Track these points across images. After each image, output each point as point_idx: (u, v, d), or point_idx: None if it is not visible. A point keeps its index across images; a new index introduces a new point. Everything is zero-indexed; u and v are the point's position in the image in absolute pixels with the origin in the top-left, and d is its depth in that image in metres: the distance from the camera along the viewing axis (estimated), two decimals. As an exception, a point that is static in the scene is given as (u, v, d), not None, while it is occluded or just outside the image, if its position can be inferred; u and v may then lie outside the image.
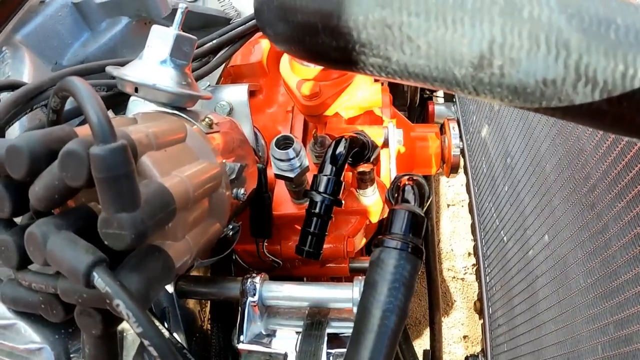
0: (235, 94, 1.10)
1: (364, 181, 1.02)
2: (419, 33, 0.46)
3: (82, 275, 0.47)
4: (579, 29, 0.43)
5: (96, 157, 0.44)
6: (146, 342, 0.49)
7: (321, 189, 0.89)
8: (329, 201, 0.90)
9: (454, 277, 2.90)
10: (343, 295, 0.82)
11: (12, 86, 0.84)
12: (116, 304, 0.47)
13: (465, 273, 2.90)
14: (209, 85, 1.20)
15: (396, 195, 0.80)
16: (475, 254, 1.88)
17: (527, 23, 0.44)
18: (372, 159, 0.99)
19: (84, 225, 0.53)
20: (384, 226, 0.74)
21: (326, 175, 0.90)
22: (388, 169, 1.13)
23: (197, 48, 1.09)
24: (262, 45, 1.43)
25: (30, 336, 0.67)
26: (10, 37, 1.21)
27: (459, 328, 2.73)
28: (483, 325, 1.75)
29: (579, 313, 0.96)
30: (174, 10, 1.31)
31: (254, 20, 1.16)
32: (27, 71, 1.15)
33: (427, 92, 2.58)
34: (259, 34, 1.24)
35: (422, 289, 2.64)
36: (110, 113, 0.91)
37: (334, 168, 0.92)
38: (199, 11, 1.46)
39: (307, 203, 0.95)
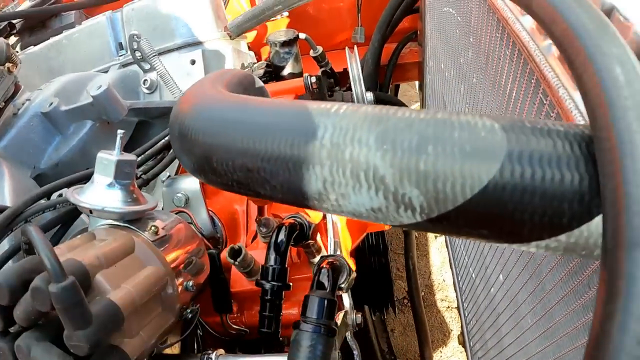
0: (190, 184, 1.22)
1: (310, 253, 1.14)
2: (272, 177, 0.55)
3: None
4: (393, 164, 0.48)
5: (53, 294, 0.58)
6: None
7: (269, 278, 1.02)
8: (277, 287, 1.02)
9: (448, 307, 2.92)
10: None
11: None
12: None
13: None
14: (169, 176, 1.32)
15: (315, 277, 0.93)
16: (455, 288, 1.95)
17: (349, 163, 0.50)
18: (310, 236, 1.12)
19: (56, 334, 0.66)
20: (302, 309, 0.88)
21: (271, 266, 1.02)
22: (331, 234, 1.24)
23: (154, 144, 1.22)
24: None
25: None
26: (-11, 150, 1.33)
27: (458, 357, 2.75)
28: (467, 357, 1.84)
29: (531, 350, 1.06)
30: (133, 110, 1.44)
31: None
32: (6, 185, 1.25)
33: None
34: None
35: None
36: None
37: (277, 257, 1.04)
38: (152, 106, 1.58)
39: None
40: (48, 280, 0.60)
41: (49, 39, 2.17)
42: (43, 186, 1.06)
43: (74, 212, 1.00)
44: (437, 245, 3.13)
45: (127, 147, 1.55)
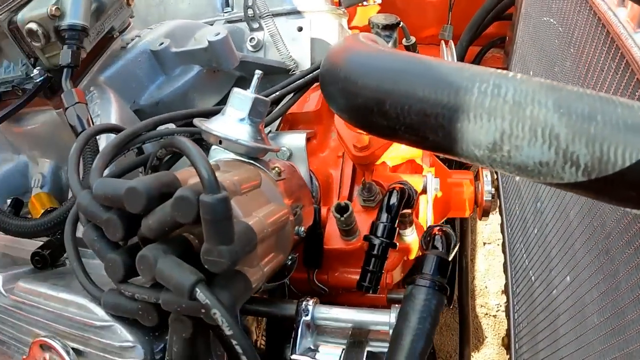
0: (295, 140, 1.25)
1: (404, 223, 1.16)
2: (450, 123, 0.60)
3: (187, 290, 0.61)
4: (568, 125, 0.56)
5: (206, 204, 0.59)
6: (234, 342, 0.63)
7: (379, 233, 1.06)
8: (386, 244, 1.06)
9: (487, 314, 2.93)
10: (382, 320, 0.94)
11: (112, 130, 1.00)
12: (213, 313, 0.61)
13: (498, 310, 2.93)
14: (271, 131, 1.34)
15: (428, 241, 0.94)
16: (506, 291, 1.96)
17: (529, 120, 0.57)
18: (412, 205, 1.13)
19: (181, 251, 0.68)
20: (416, 267, 0.89)
21: (382, 222, 1.06)
22: (425, 212, 1.25)
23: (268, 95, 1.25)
24: (317, 95, 1.56)
25: (125, 336, 0.81)
26: (95, 78, 1.37)
27: (494, 359, 2.76)
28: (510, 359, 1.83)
29: (592, 349, 1.06)
30: (243, 62, 1.46)
31: (312, 74, 1.31)
32: (113, 110, 1.31)
33: None
34: (315, 85, 1.39)
35: (454, 324, 2.70)
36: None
37: (389, 216, 1.08)
38: (261, 62, 1.60)
39: (355, 240, 1.10)
40: (197, 192, 0.61)
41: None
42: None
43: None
44: (484, 252, 3.12)
45: (221, 102, 1.60)
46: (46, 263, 1.08)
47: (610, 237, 1.03)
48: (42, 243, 1.14)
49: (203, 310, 0.63)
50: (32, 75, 1.27)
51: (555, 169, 0.59)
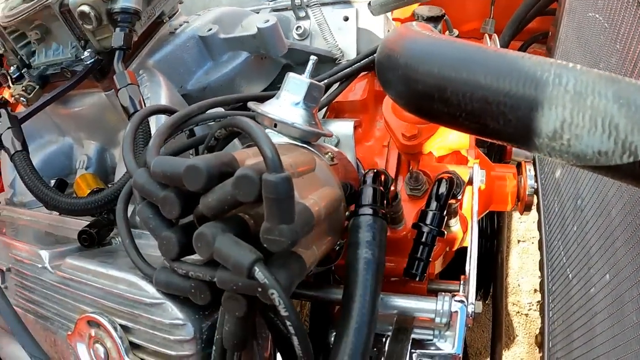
0: (343, 128, 1.27)
1: (450, 213, 1.16)
2: (511, 110, 0.63)
3: (246, 269, 0.61)
4: (627, 116, 0.58)
5: (269, 183, 0.59)
6: (289, 323, 0.64)
7: (428, 221, 1.06)
8: (435, 232, 1.07)
9: (518, 312, 2.96)
10: (427, 307, 0.95)
11: (165, 111, 1.01)
12: (271, 293, 0.61)
13: (530, 309, 2.95)
14: (323, 117, 1.36)
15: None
16: (541, 289, 1.96)
17: (589, 109, 0.60)
18: (459, 195, 1.13)
19: (239, 230, 0.68)
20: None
21: (432, 211, 1.07)
22: (470, 204, 1.26)
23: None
24: (362, 85, 1.57)
25: (175, 314, 0.83)
26: (144, 62, 1.41)
27: (524, 357, 2.80)
28: (542, 358, 1.83)
29: (629, 347, 1.06)
30: (290, 50, 1.48)
31: (359, 63, 1.32)
32: (163, 93, 1.34)
33: None
34: (361, 75, 1.40)
35: (486, 321, 2.72)
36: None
37: (438, 204, 1.09)
38: (308, 50, 1.62)
39: (400, 228, 1.10)
40: (259, 171, 0.62)
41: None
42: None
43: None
44: (518, 250, 3.14)
45: (268, 89, 1.64)
46: (93, 241, 1.10)
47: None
48: (88, 222, 1.16)
49: (260, 290, 0.64)
50: (82, 57, 1.31)
51: (614, 159, 0.61)
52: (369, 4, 1.79)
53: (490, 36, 1.81)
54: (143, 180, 0.72)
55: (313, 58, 0.96)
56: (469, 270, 1.08)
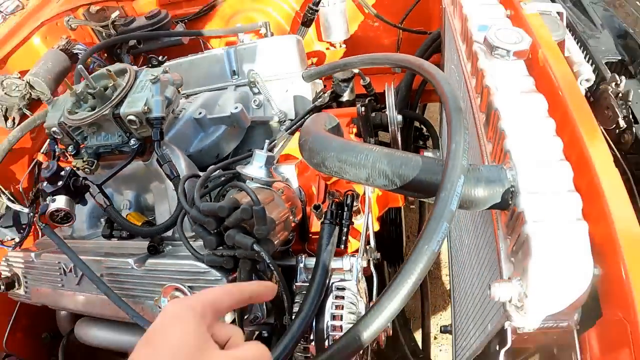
0: (288, 170, 1.96)
1: (355, 212, 1.88)
2: (348, 171, 1.27)
3: (249, 246, 1.44)
4: (388, 165, 1.26)
5: (255, 210, 1.42)
6: (271, 266, 1.47)
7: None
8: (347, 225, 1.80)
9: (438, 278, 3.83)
10: (340, 264, 1.73)
11: (193, 175, 1.82)
12: (261, 254, 1.45)
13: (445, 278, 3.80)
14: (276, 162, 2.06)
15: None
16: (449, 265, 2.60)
17: (371, 168, 1.20)
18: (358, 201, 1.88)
19: (244, 231, 1.50)
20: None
21: (345, 212, 1.81)
22: (367, 205, 1.98)
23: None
24: None
25: (216, 274, 1.61)
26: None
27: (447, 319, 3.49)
28: (452, 307, 2.41)
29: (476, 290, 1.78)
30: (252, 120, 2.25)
31: (297, 124, 2.10)
32: (182, 161, 1.97)
33: (420, 142, 3.30)
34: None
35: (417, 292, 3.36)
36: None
37: (347, 208, 1.80)
38: (262, 119, 2.32)
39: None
40: (250, 204, 1.43)
41: (158, 49, 3.06)
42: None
43: (233, 179, 1.82)
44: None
45: (240, 146, 2.33)
46: (157, 251, 1.85)
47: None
48: (146, 242, 1.87)
49: (256, 254, 1.46)
50: (129, 143, 1.91)
51: (373, 181, 1.22)
52: (302, 75, 2.42)
53: (389, 84, 2.32)
54: (195, 214, 1.52)
55: (267, 142, 1.75)
56: (362, 241, 1.85)
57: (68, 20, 3.21)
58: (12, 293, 2.21)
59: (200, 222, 1.54)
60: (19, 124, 2.54)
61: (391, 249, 2.80)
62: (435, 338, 3.68)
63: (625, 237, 0.97)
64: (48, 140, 2.45)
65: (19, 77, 2.68)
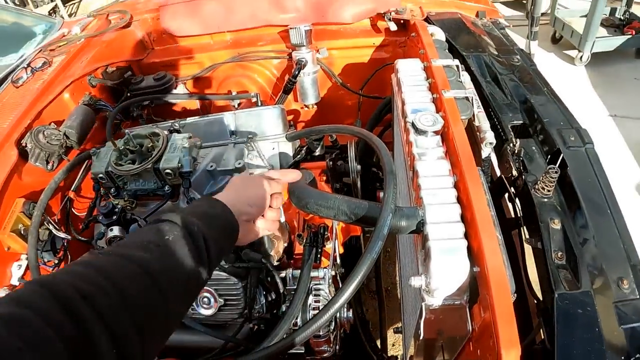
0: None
1: (325, 239, 2.64)
2: (323, 210, 2.05)
3: (259, 261, 2.24)
4: (347, 207, 2.09)
5: (262, 238, 2.22)
6: (273, 272, 2.27)
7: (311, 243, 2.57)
8: (315, 250, 2.55)
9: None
10: (317, 274, 2.53)
11: None
12: (265, 264, 2.25)
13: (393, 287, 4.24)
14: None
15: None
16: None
17: (336, 209, 2.12)
18: (328, 231, 2.66)
19: (256, 250, 2.30)
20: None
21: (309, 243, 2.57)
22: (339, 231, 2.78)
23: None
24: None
25: (234, 280, 2.36)
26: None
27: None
28: (401, 311, 2.87)
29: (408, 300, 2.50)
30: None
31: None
32: None
33: (377, 184, 3.74)
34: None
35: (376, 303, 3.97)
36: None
37: (317, 237, 2.48)
38: (251, 170, 3.08)
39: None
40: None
41: (163, 104, 3.76)
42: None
43: None
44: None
45: None
46: None
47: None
48: None
49: (262, 265, 2.24)
50: (165, 189, 2.44)
51: (342, 218, 1.94)
52: (286, 136, 3.01)
53: (351, 144, 2.98)
54: None
55: None
56: (331, 259, 2.56)
57: (90, 79, 3.81)
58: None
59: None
60: (58, 168, 3.14)
61: (352, 265, 3.50)
62: (393, 345, 4.12)
63: (489, 249, 1.52)
64: (76, 180, 3.17)
65: (56, 128, 3.28)
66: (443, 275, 1.63)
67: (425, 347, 2.14)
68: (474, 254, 1.65)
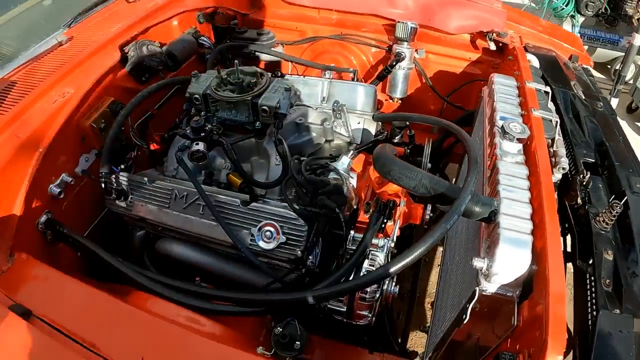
0: (353, 177, 2.79)
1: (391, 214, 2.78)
2: (403, 180, 2.18)
3: (334, 209, 2.37)
4: (430, 182, 2.05)
5: (340, 188, 2.35)
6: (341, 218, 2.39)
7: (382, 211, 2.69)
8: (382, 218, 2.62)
9: (431, 308, 4.13)
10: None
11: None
12: (338, 214, 2.37)
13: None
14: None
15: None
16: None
17: (418, 179, 2.16)
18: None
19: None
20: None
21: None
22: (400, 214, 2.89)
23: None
24: (362, 157, 3.11)
25: (302, 222, 2.44)
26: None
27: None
28: (433, 311, 3.00)
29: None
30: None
31: (364, 147, 3.00)
32: (287, 148, 2.63)
33: None
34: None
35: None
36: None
37: (388, 207, 2.58)
38: (342, 138, 3.26)
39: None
40: (338, 185, 2.36)
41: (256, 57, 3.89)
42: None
43: (326, 167, 2.73)
44: (438, 262, 4.12)
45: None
46: (255, 199, 2.61)
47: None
48: (236, 194, 2.70)
49: (334, 215, 2.34)
50: (256, 124, 2.62)
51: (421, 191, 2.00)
52: (373, 116, 3.16)
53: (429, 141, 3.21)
54: (302, 180, 2.44)
55: (351, 151, 2.69)
56: (394, 232, 2.62)
57: (199, 15, 3.95)
58: (112, 204, 2.74)
59: (303, 186, 2.39)
60: (149, 83, 3.22)
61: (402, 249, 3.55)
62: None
63: (552, 252, 1.68)
64: (162, 100, 3.33)
65: (160, 46, 3.44)
66: (506, 263, 1.75)
67: (446, 350, 2.28)
68: (536, 253, 1.77)
